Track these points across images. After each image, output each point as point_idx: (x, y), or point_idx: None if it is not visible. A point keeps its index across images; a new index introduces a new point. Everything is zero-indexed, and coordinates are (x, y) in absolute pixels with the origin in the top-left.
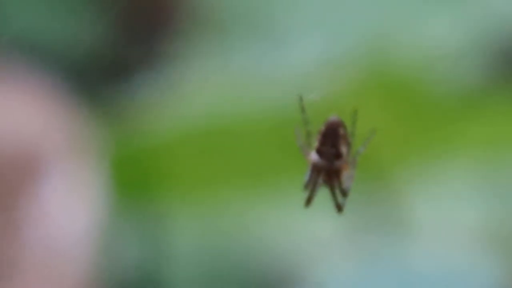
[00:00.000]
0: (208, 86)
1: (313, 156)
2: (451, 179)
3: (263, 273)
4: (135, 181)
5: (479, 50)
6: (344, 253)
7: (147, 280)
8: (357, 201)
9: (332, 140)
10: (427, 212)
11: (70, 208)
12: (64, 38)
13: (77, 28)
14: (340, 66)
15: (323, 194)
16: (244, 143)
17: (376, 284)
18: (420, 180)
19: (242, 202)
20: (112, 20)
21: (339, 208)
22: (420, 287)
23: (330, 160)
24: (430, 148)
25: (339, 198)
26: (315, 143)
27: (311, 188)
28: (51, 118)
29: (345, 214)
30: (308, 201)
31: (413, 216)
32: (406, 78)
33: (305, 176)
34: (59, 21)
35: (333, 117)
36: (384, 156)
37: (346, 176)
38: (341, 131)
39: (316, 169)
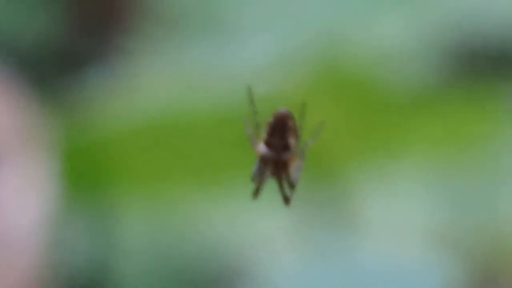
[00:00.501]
0: (159, 81)
1: (261, 148)
2: (402, 177)
3: (212, 268)
4: (86, 174)
5: (432, 48)
6: (294, 250)
7: (96, 274)
8: (308, 197)
9: (280, 131)
10: (377, 210)
11: (20, 200)
12: (16, 30)
13: (30, 20)
14: (292, 63)
15: (273, 191)
16: (194, 138)
17: (325, 280)
18: (371, 178)
19: (192, 197)
20: (66, 13)
21: (287, 200)
22: (369, 285)
23: (278, 151)
24: (382, 146)
25: (287, 190)
26: (264, 135)
27: (258, 179)
28: (2, 110)
29: (296, 210)
30: (256, 193)
31: (363, 213)
32: (358, 76)
33: (253, 167)
34: (11, 12)
35: (282, 109)
36: (336, 153)
37: (294, 168)
38: (290, 123)
39: (264, 161)
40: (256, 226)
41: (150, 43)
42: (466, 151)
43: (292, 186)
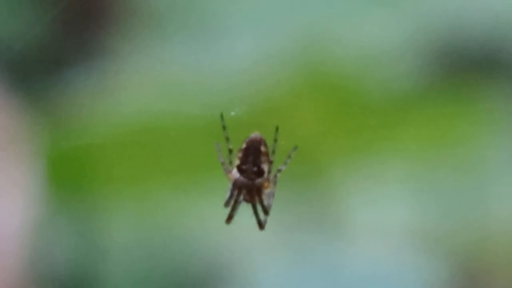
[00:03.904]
0: (143, 82)
1: (234, 173)
2: (386, 180)
3: (198, 270)
4: (71, 176)
5: (417, 50)
6: (278, 252)
7: (81, 276)
8: (292, 199)
9: (253, 157)
10: (361, 212)
11: (3, 204)
12: (0, 31)
13: (12, 19)
14: (275, 63)
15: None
16: (180, 139)
17: (309, 283)
18: (355, 180)
19: (178, 199)
20: (49, 11)
21: (261, 225)
22: (352, 287)
23: (251, 177)
24: (366, 148)
25: (261, 215)
26: (237, 161)
27: (232, 205)
28: None
29: (279, 212)
30: (229, 219)
31: (347, 216)
32: (342, 78)
33: (226, 193)
34: None
35: (254, 134)
36: (320, 154)
37: (267, 193)
38: (263, 148)
39: (237, 187)
40: (240, 228)
41: (134, 43)
42: (451, 151)
43: (266, 211)
